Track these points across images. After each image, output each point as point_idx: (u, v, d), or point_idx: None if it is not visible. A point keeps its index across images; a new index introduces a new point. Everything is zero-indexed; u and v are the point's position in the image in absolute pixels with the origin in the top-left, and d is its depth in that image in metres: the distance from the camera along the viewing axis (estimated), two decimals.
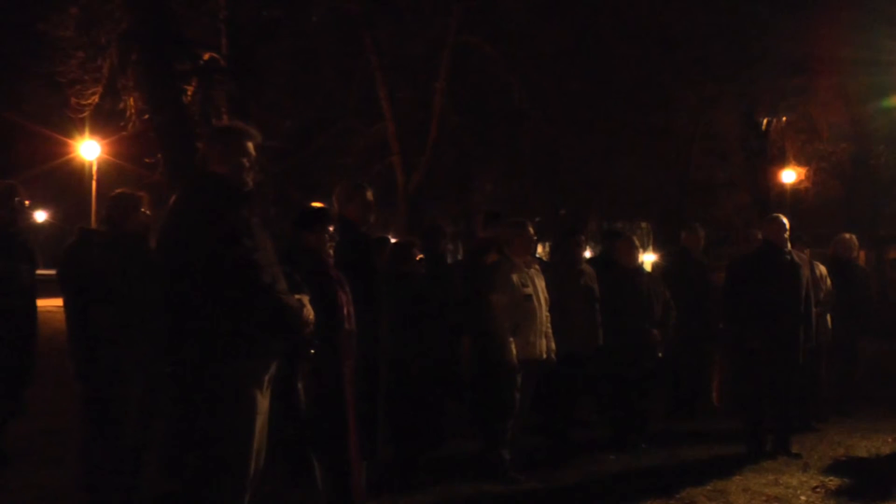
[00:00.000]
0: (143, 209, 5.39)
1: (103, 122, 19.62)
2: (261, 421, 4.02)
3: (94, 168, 26.42)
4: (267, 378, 4.06)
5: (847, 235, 9.90)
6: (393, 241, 7.85)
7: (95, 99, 16.67)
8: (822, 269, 9.31)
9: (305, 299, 4.23)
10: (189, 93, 16.30)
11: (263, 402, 4.04)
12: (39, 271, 6.18)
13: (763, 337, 7.50)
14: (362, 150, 22.16)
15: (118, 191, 5.61)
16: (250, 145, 4.20)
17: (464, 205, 27.26)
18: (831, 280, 9.32)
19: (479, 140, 23.56)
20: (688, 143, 25.70)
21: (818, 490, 6.41)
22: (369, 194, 5.88)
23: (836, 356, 9.52)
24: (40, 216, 37.00)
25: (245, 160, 4.16)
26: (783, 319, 7.53)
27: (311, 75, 20.72)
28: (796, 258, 7.76)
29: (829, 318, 9.25)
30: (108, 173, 25.24)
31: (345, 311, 5.09)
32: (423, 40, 20.87)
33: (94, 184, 26.55)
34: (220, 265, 3.86)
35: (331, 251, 5.15)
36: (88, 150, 25.15)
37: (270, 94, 19.28)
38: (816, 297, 8.29)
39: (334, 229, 5.17)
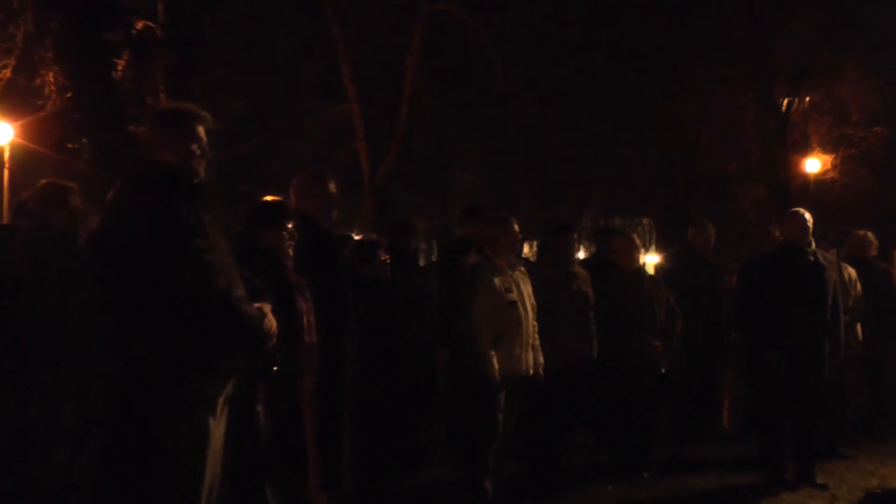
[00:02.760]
0: (72, 202, 5.37)
1: (16, 100, 19.43)
2: (214, 451, 3.99)
3: (7, 154, 26.15)
4: (222, 400, 4.04)
5: (861, 232, 9.87)
6: (356, 238, 7.85)
7: (7, 73, 16.52)
8: (851, 271, 9.30)
9: (267, 308, 4.22)
10: (119, 67, 16.21)
11: (217, 428, 4.02)
12: None
13: (782, 350, 7.57)
14: (323, 136, 22.15)
15: (44, 182, 5.57)
16: (201, 130, 4.20)
17: (439, 198, 27.28)
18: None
19: (456, 124, 23.59)
20: (696, 127, 25.83)
21: None
22: (331, 186, 5.91)
23: (867, 372, 9.57)
24: None
25: (195, 147, 4.16)
26: (806, 329, 7.60)
27: (264, 49, 20.68)
28: (821, 259, 7.81)
29: (859, 327, 9.30)
30: (22, 160, 24.96)
31: (305, 321, 5.12)
32: (393, 9, 20.88)
33: (5, 172, 26.28)
34: (168, 269, 3.84)
35: (290, 252, 5.18)
36: None
37: (216, 71, 19.20)
38: (844, 304, 8.31)
39: (292, 227, 5.20)
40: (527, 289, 7.00)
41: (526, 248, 21.65)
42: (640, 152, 25.62)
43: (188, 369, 3.91)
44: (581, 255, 14.21)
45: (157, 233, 3.86)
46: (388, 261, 7.01)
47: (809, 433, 7.78)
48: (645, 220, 33.09)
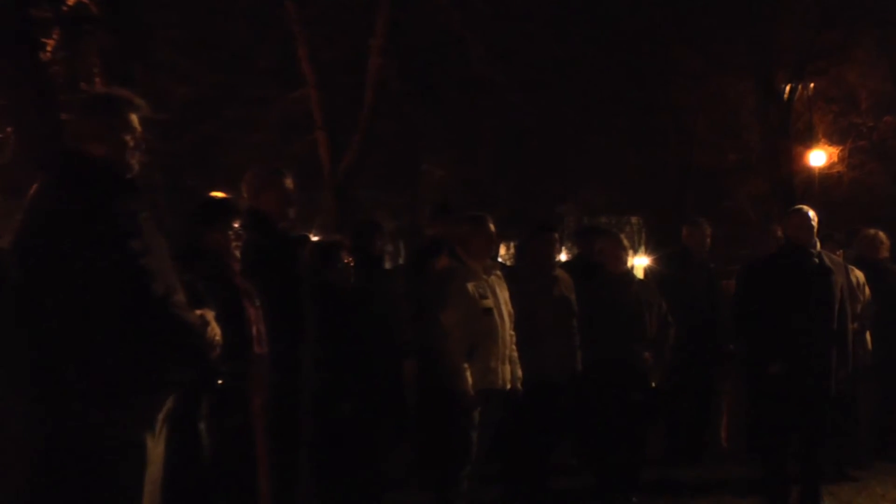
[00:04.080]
0: None
1: None
2: (152, 474, 3.98)
3: None
4: (161, 418, 4.03)
5: (872, 232, 9.89)
6: (314, 240, 7.84)
7: None
8: (859, 274, 9.32)
9: (210, 315, 4.22)
10: (49, 48, 16.09)
11: (155, 449, 4.00)
12: None
13: (785, 361, 7.60)
14: (278, 125, 22.08)
15: None
16: (135, 118, 4.18)
17: (407, 194, 27.26)
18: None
19: (426, 112, 23.59)
20: (691, 116, 25.96)
21: None
22: (288, 181, 5.90)
23: (878, 385, 9.61)
24: None
25: (129, 138, 4.13)
26: (811, 339, 7.63)
27: (213, 29, 20.60)
28: (827, 261, 7.84)
29: (868, 336, 9.34)
30: None
31: (254, 331, 5.10)
32: None
33: None
34: (99, 274, 3.82)
35: (237, 253, 5.16)
36: None
37: (159, 52, 19.10)
38: (853, 311, 8.36)
39: (242, 225, 5.17)
40: (503, 295, 7.01)
41: (503, 250, 21.68)
42: (628, 144, 25.72)
43: (122, 384, 3.88)
44: (563, 257, 14.23)
45: (86, 234, 3.83)
46: (352, 264, 6.99)
47: (815, 453, 7.81)
48: (634, 219, 33.21)
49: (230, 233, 5.12)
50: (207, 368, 4.32)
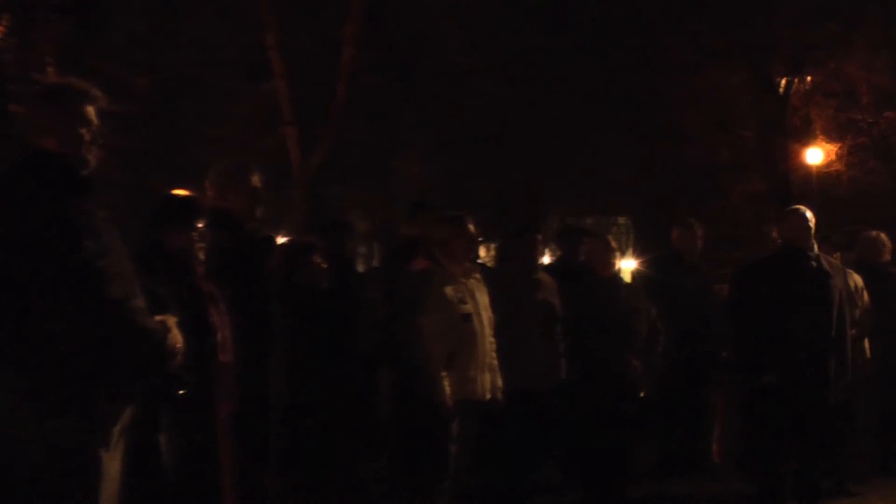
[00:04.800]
0: None
1: None
2: (108, 491, 3.95)
3: None
4: (117, 431, 3.99)
5: (873, 233, 9.90)
6: (283, 241, 7.84)
7: None
8: (857, 278, 9.35)
9: (171, 321, 4.19)
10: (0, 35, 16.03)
11: (112, 464, 3.97)
12: None
13: (781, 370, 7.63)
14: (245, 119, 22.04)
15: None
16: (91, 111, 4.15)
17: (381, 193, 27.26)
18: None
19: (402, 106, 23.58)
20: (682, 110, 26.01)
21: None
22: (255, 179, 5.89)
23: (879, 395, 9.65)
24: None
25: (84, 131, 4.11)
26: (808, 346, 7.66)
27: (176, 15, 20.55)
28: (825, 265, 7.87)
29: (867, 343, 9.38)
30: None
31: (219, 338, 5.09)
32: None
33: None
34: (53, 276, 3.80)
35: (201, 255, 5.14)
36: None
37: (118, 40, 19.05)
38: (852, 317, 8.37)
39: (206, 226, 5.16)
40: (484, 299, 7.01)
41: (483, 252, 21.66)
42: (616, 140, 25.76)
43: (76, 394, 3.85)
44: (546, 259, 14.24)
45: (38, 234, 3.81)
46: (325, 266, 6.98)
47: (813, 467, 7.84)
48: (621, 220, 33.30)
49: (194, 234, 5.11)
50: (168, 378, 4.31)
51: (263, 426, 5.52)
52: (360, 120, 22.59)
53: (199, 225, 5.14)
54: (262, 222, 6.60)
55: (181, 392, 4.53)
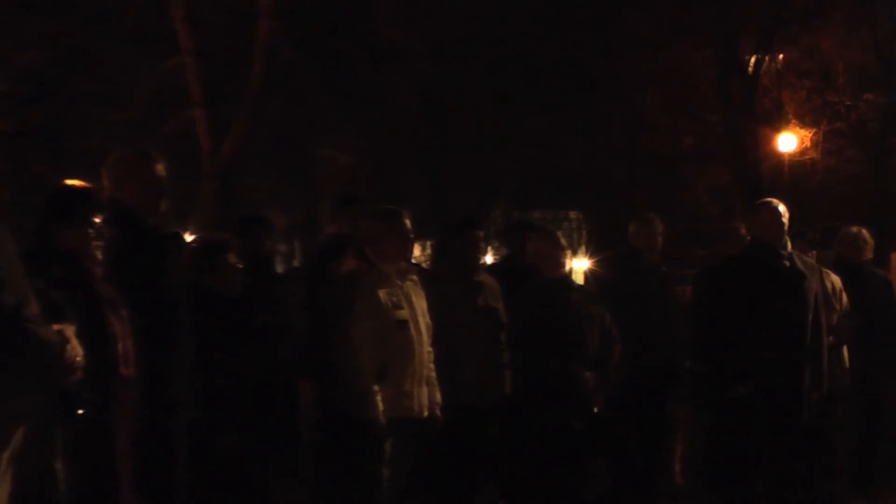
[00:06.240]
0: None
1: None
2: None
3: None
4: (6, 456, 3.99)
5: (854, 230, 9.96)
6: (191, 238, 7.81)
7: None
8: (835, 279, 9.41)
9: (70, 331, 4.19)
10: None
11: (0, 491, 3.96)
12: None
13: (750, 382, 7.72)
14: (147, 100, 21.90)
15: None
16: None
17: (303, 185, 27.22)
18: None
19: (327, 87, 23.56)
20: (639, 92, 26.21)
21: None
22: (158, 168, 5.86)
23: (859, 409, 9.75)
24: None
25: None
26: (780, 355, 7.75)
27: None
28: (799, 264, 7.96)
29: (845, 352, 9.47)
30: None
31: (120, 348, 5.06)
32: None
33: None
34: None
35: (98, 255, 5.11)
36: None
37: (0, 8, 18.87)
38: (829, 322, 8.48)
39: (104, 221, 5.13)
40: (421, 304, 7.02)
41: (418, 251, 21.70)
42: (566, 125, 25.89)
43: None
44: (489, 259, 14.26)
45: None
46: (240, 267, 6.96)
47: (785, 489, 7.92)
48: (572, 214, 33.47)
49: (90, 230, 5.07)
50: (66, 396, 4.28)
51: (168, 448, 5.49)
52: (278, 102, 22.53)
53: (96, 220, 5.10)
54: (168, 217, 6.56)
55: (80, 412, 4.49)
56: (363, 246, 7.01)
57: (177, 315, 5.72)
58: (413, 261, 8.76)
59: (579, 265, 24.20)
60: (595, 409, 8.16)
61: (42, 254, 4.92)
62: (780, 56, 28.09)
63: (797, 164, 27.84)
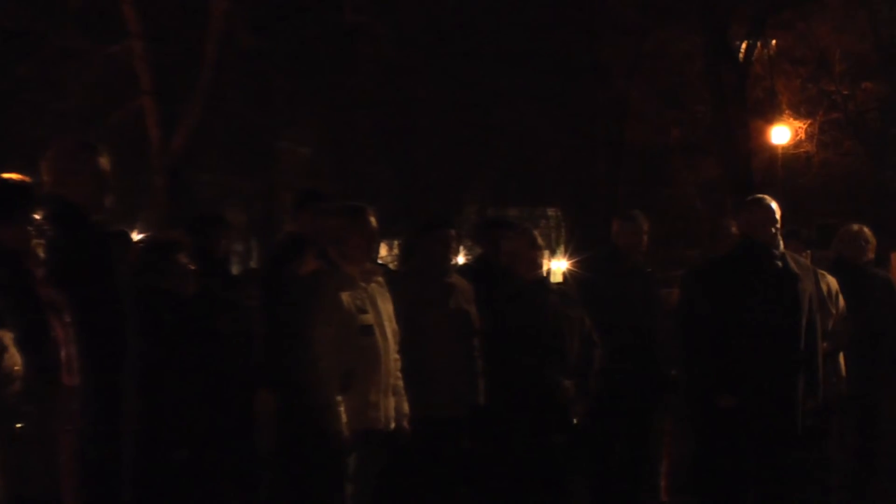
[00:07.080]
0: None
1: None
2: None
3: None
4: None
5: (855, 227, 10.00)
6: (139, 237, 7.79)
7: None
8: (831, 281, 9.42)
9: (7, 338, 4.21)
10: None
11: None
12: None
13: (740, 391, 7.74)
14: (92, 87, 21.84)
15: None
16: None
17: (260, 180, 27.18)
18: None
19: (286, 74, 23.54)
20: (624, 80, 26.26)
21: None
22: (103, 161, 5.84)
23: (855, 419, 9.78)
24: None
25: None
26: (772, 362, 7.77)
27: None
28: (792, 265, 7.99)
29: (841, 358, 9.49)
30: None
31: (62, 356, 5.05)
32: None
33: None
34: None
35: (39, 254, 5.09)
36: None
37: None
38: (824, 327, 8.51)
39: (44, 218, 5.11)
40: (387, 308, 7.03)
41: (384, 250, 21.75)
42: (546, 116, 25.92)
43: None
44: (461, 259, 14.26)
45: None
46: (193, 268, 6.95)
47: None
48: (551, 211, 33.52)
49: (29, 228, 5.05)
50: (2, 408, 4.26)
51: (115, 463, 5.48)
52: (234, 91, 22.51)
53: (36, 217, 5.08)
54: (113, 214, 6.55)
55: (18, 426, 4.47)
56: (325, 245, 7.02)
57: (124, 320, 5.70)
58: (379, 261, 8.78)
59: (558, 266, 24.26)
60: (575, 421, 8.17)
61: None
62: (773, 42, 28.18)
63: (791, 157, 27.95)
